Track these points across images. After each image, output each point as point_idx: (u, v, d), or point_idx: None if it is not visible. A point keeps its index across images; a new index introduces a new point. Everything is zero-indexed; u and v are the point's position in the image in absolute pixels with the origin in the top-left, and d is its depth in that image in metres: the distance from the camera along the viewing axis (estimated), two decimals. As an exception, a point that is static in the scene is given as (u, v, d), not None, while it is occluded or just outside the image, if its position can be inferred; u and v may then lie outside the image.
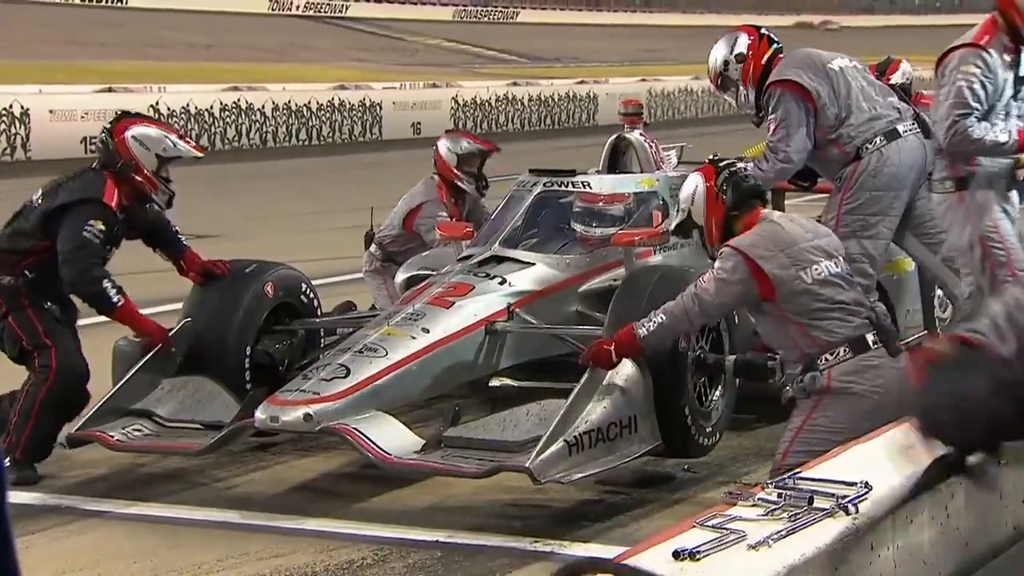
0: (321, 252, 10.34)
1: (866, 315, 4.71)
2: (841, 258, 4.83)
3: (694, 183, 4.95)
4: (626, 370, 4.82)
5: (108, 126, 5.64)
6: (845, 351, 4.60)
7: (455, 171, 7.11)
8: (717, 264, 4.76)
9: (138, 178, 5.53)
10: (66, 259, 5.38)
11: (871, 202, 5.77)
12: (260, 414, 4.88)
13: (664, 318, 4.74)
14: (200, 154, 6.04)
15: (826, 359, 4.62)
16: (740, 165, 5.94)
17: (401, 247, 6.95)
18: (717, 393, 5.31)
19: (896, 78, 7.79)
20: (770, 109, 5.90)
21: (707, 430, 5.18)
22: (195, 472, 5.35)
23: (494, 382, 5.45)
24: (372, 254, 7.05)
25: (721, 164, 5.02)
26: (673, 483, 5.17)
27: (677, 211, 5.12)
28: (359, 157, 20.61)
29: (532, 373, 5.49)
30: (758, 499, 2.89)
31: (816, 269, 4.68)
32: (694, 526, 2.76)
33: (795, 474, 3.04)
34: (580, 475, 4.59)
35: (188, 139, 5.90)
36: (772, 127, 5.89)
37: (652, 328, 4.75)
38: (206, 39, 33.51)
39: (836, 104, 5.81)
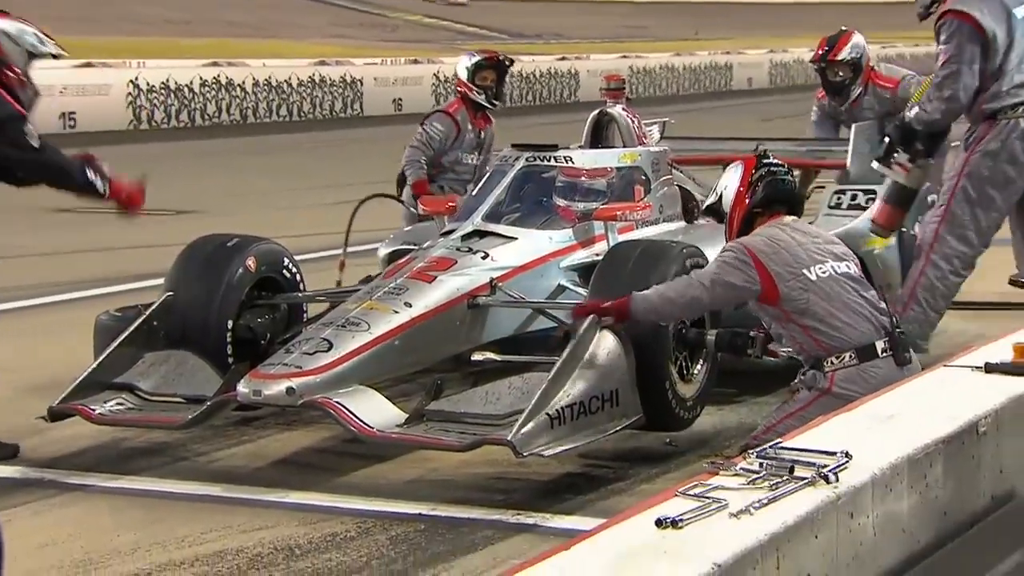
0: (303, 228, 10.32)
1: (878, 321, 4.66)
2: (853, 263, 4.79)
3: (735, 169, 4.95)
4: (608, 344, 4.84)
5: None
6: (851, 356, 4.57)
7: (468, 83, 7.43)
8: (720, 255, 4.80)
9: (9, 74, 5.33)
10: (22, 160, 5.26)
11: (993, 172, 5.52)
12: (243, 388, 4.88)
13: (660, 292, 4.80)
14: (64, 53, 5.78)
15: (831, 361, 4.61)
16: (907, 114, 5.74)
17: (436, 168, 7.37)
18: (698, 367, 5.33)
19: (845, 52, 7.65)
20: (942, 39, 5.61)
21: (688, 403, 5.20)
22: (178, 446, 5.35)
23: (477, 356, 5.46)
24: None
25: (764, 161, 4.99)
26: (655, 456, 5.19)
27: (712, 192, 5.13)
28: (340, 133, 20.55)
29: (515, 347, 5.50)
30: (740, 468, 2.92)
31: (821, 268, 4.67)
32: (676, 495, 2.79)
33: (776, 444, 3.06)
34: (562, 448, 4.61)
35: (50, 38, 5.68)
36: (941, 59, 5.60)
37: (644, 296, 4.79)
38: (185, 15, 33.31)
39: (1002, 54, 5.50)
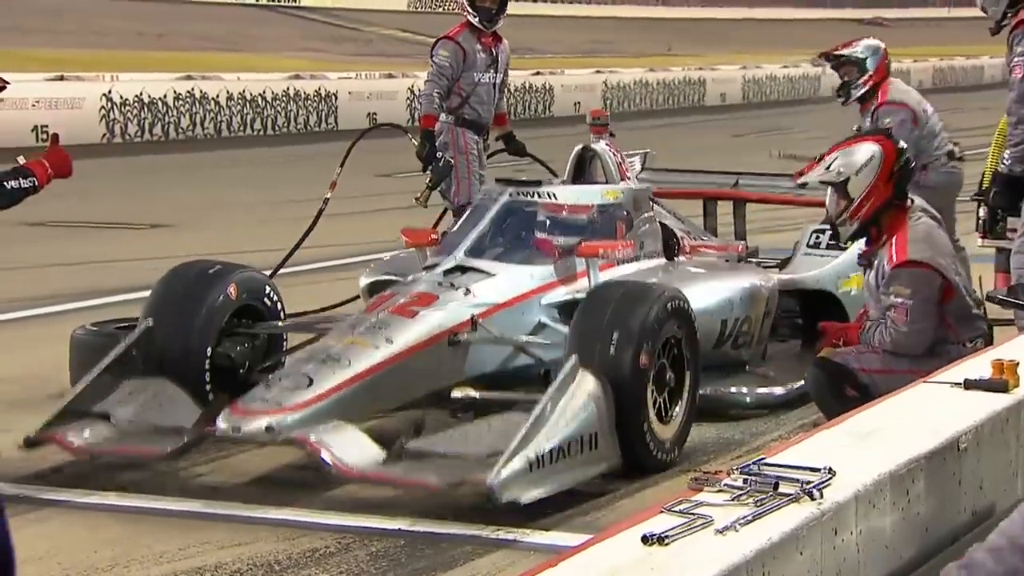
0: (278, 243, 10.27)
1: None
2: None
3: (870, 153, 4.85)
4: (589, 387, 4.84)
5: None
6: (981, 343, 4.88)
7: (466, 4, 7.75)
8: (904, 289, 4.87)
9: None
10: None
11: None
12: (222, 423, 4.84)
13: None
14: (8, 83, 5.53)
15: (965, 344, 4.90)
16: (1000, 168, 5.78)
17: (456, 99, 7.69)
18: (678, 408, 5.31)
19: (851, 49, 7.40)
20: (1019, 50, 5.55)
21: (666, 446, 5.19)
22: (155, 462, 5.32)
23: (456, 393, 5.39)
24: (444, 122, 7.68)
25: (901, 149, 4.96)
26: (634, 472, 5.18)
27: (828, 168, 5.00)
28: (315, 147, 20.51)
29: (495, 384, 5.46)
30: (724, 485, 2.93)
31: (955, 267, 4.90)
32: (662, 511, 2.79)
33: (760, 460, 3.08)
34: (539, 493, 4.58)
35: None
36: (1020, 73, 5.54)
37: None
38: (157, 28, 33.20)
39: None
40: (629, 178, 6.43)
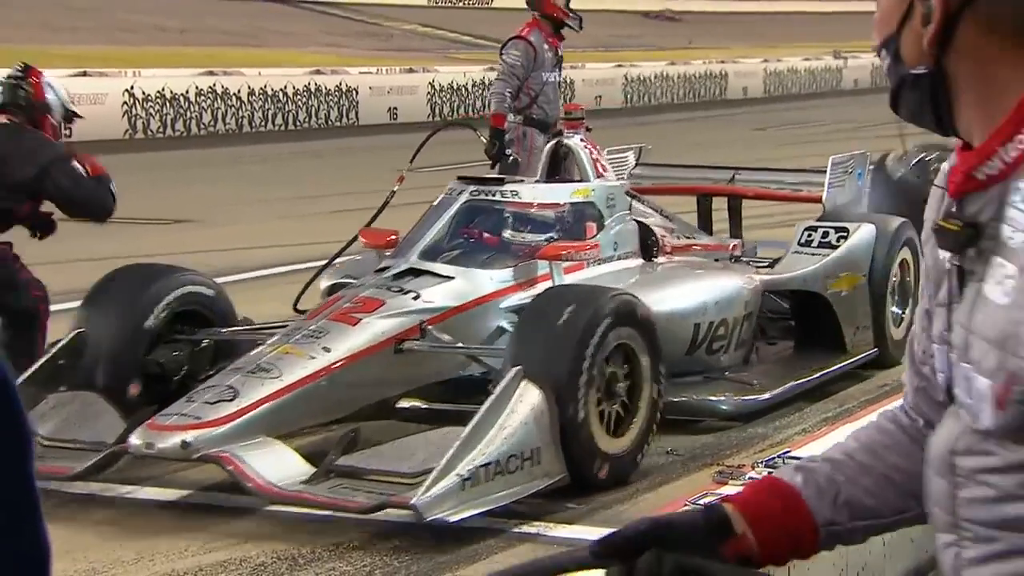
0: (299, 237, 10.32)
1: None
2: None
3: None
4: (532, 399, 4.59)
5: (19, 72, 5.72)
6: None
7: (563, 8, 7.98)
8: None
9: (51, 121, 5.74)
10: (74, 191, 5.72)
11: None
12: (135, 439, 4.59)
13: None
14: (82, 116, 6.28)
15: None
16: None
17: (525, 99, 7.91)
18: (632, 420, 4.99)
19: None
20: None
21: (615, 460, 4.86)
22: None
23: (402, 404, 5.20)
24: (512, 122, 7.88)
25: None
26: (656, 466, 5.19)
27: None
28: (336, 142, 20.57)
29: (452, 393, 5.22)
30: (748, 478, 2.93)
31: None
32: (686, 505, 2.79)
33: (784, 454, 3.07)
34: (470, 512, 4.32)
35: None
36: None
37: None
38: (179, 23, 33.32)
39: None
40: (605, 175, 6.09)
